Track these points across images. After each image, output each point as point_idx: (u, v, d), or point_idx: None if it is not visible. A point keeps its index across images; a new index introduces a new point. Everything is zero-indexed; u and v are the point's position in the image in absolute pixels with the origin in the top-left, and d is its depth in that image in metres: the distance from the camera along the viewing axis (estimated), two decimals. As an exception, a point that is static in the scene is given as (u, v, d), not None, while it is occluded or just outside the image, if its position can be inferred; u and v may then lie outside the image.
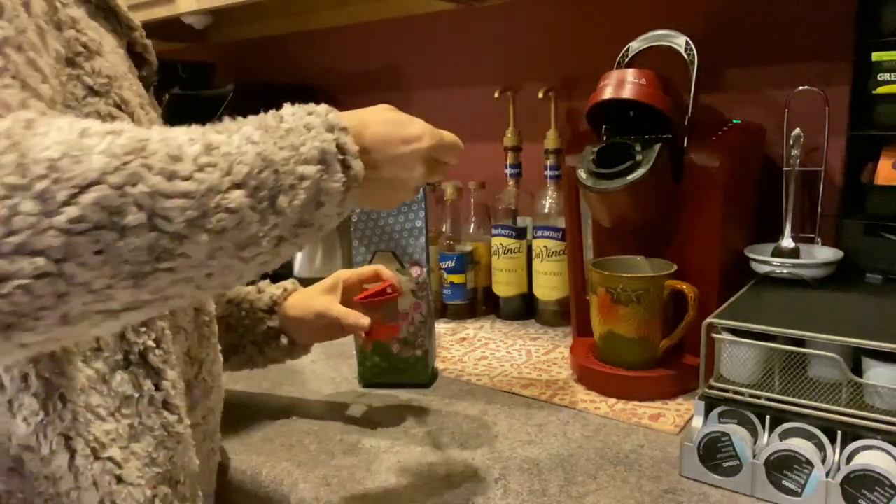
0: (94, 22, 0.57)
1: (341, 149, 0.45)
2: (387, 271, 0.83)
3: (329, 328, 0.81)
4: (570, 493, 0.66)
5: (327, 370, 1.01)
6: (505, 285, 1.20)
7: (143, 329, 0.54)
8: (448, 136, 0.57)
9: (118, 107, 0.53)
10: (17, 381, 0.49)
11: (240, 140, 0.41)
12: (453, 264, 1.20)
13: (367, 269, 0.84)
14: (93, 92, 0.51)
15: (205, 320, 0.64)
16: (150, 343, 0.54)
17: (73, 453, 0.50)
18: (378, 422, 0.83)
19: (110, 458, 0.52)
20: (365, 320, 0.77)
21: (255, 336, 0.83)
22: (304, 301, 0.83)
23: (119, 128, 0.37)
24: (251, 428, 0.83)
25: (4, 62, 0.39)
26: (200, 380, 0.63)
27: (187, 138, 0.39)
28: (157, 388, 0.55)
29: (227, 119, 0.44)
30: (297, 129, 0.44)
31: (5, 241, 0.32)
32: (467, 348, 1.07)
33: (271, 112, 0.46)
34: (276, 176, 0.41)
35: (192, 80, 1.57)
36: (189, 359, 0.62)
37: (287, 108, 0.46)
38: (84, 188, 0.34)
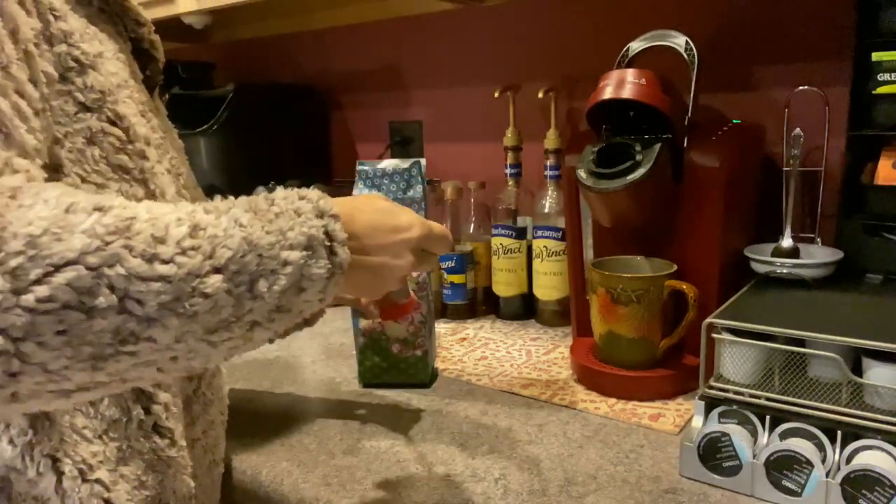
0: (95, 27, 0.56)
1: (329, 235, 0.45)
2: None
3: (343, 300, 0.79)
4: (570, 493, 0.66)
5: (327, 370, 1.01)
6: (505, 285, 1.20)
7: None
8: (437, 227, 0.57)
9: (112, 122, 0.52)
10: None
11: (228, 223, 0.40)
12: (453, 264, 1.20)
13: None
14: (84, 108, 0.50)
15: None
16: None
17: (60, 475, 0.49)
18: (378, 422, 0.83)
19: (98, 481, 0.51)
20: (374, 310, 0.76)
21: None
22: None
23: (108, 204, 0.36)
24: (251, 428, 0.83)
25: None
26: (200, 395, 0.62)
27: (175, 218, 0.38)
28: (147, 411, 0.53)
29: (218, 198, 0.43)
30: (287, 213, 0.44)
31: None
32: (467, 348, 1.07)
33: (263, 194, 0.45)
34: (259, 260, 0.40)
35: (192, 80, 1.58)
36: (187, 375, 0.61)
37: (279, 192, 0.46)
38: (59, 268, 0.33)
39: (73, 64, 0.50)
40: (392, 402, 0.89)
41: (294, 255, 0.42)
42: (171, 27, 1.58)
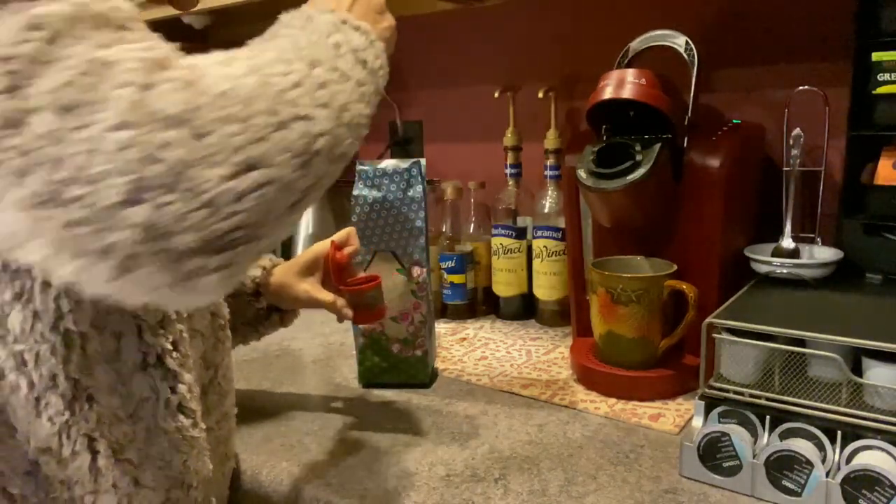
0: None
1: (340, 19, 0.53)
2: (354, 235, 0.84)
3: (313, 302, 0.83)
4: (570, 493, 0.66)
5: (327, 370, 1.01)
6: (505, 285, 1.20)
7: (161, 331, 0.54)
8: None
9: None
10: (46, 380, 0.49)
11: (287, 40, 0.48)
12: (453, 264, 1.20)
13: (340, 234, 0.84)
14: None
15: (220, 324, 0.64)
16: (168, 346, 0.54)
17: (95, 455, 0.51)
18: (378, 422, 0.83)
19: (129, 461, 0.52)
20: (348, 311, 0.79)
21: (245, 318, 0.84)
22: (287, 282, 0.82)
23: (231, 54, 0.43)
24: (251, 428, 0.83)
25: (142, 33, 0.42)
26: (216, 384, 0.63)
27: (262, 47, 0.47)
28: (174, 391, 0.55)
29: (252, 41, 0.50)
30: (311, 19, 0.52)
31: (231, 161, 0.37)
32: (467, 348, 1.07)
33: (292, 16, 0.53)
34: (321, 49, 0.48)
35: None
36: (205, 363, 0.62)
37: (284, 15, 0.53)
38: (252, 100, 0.40)
39: None
40: (392, 402, 0.89)
41: (337, 38, 0.51)
42: (171, 27, 1.58)
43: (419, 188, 0.88)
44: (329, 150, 0.44)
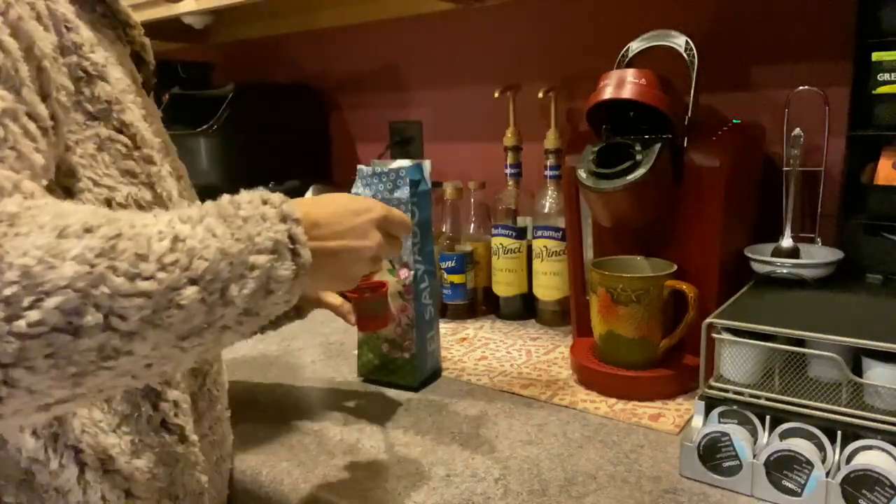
0: (100, 34, 0.57)
1: (292, 238, 0.46)
2: None
3: (322, 305, 0.84)
4: (570, 493, 0.66)
5: (327, 370, 1.01)
6: (505, 285, 1.20)
7: None
8: (396, 211, 0.60)
9: (118, 130, 0.54)
10: None
11: (203, 233, 0.42)
12: (453, 264, 1.20)
13: None
14: (92, 117, 0.53)
15: None
16: None
17: (82, 466, 0.51)
18: (378, 422, 0.83)
19: (118, 472, 0.52)
20: (352, 317, 0.80)
21: None
22: None
23: (95, 222, 0.38)
24: (251, 428, 0.83)
25: (4, 133, 0.40)
26: (205, 391, 0.63)
27: (156, 231, 0.40)
28: (155, 408, 0.55)
29: (186, 204, 0.46)
30: (254, 218, 0.45)
31: None
32: (467, 348, 1.07)
33: (227, 198, 0.47)
34: (230, 267, 0.42)
35: (192, 80, 1.58)
36: (192, 372, 0.62)
37: (244, 196, 0.47)
38: (50, 294, 0.34)
39: (81, 74, 0.52)
40: (392, 403, 0.89)
41: (261, 259, 0.44)
42: (171, 27, 1.58)
43: (405, 190, 0.88)
44: (136, 369, 0.39)
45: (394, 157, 1.49)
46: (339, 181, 1.57)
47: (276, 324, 0.86)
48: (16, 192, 0.38)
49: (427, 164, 0.91)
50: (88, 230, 0.37)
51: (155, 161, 0.57)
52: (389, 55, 1.51)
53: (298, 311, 0.87)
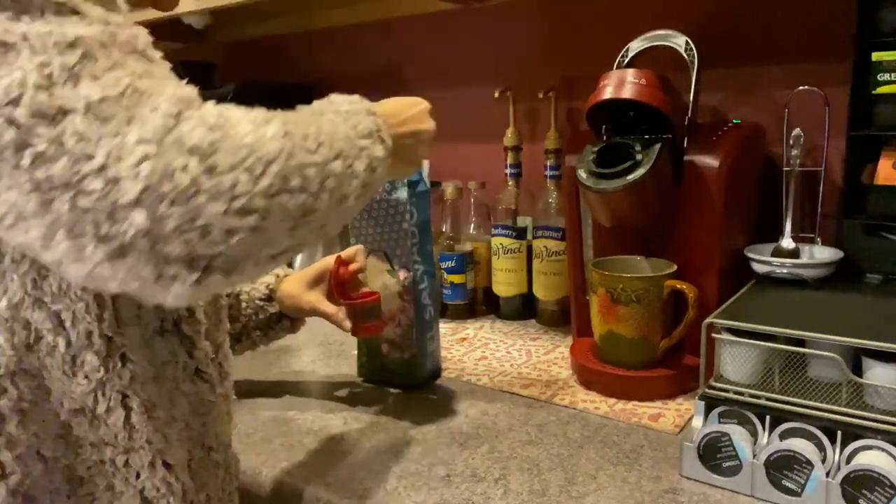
0: None
1: (378, 128, 0.57)
2: (362, 253, 0.88)
3: (317, 313, 0.87)
4: (570, 493, 0.66)
5: (327, 370, 1.01)
6: (505, 285, 1.20)
7: None
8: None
9: None
10: (82, 338, 0.51)
11: (329, 124, 0.52)
12: (453, 264, 1.20)
13: (348, 251, 0.88)
14: None
15: (221, 304, 0.66)
16: (184, 312, 0.57)
17: (129, 411, 0.53)
18: (378, 422, 0.83)
19: (158, 419, 0.55)
20: (347, 324, 0.83)
21: (258, 323, 0.89)
22: (296, 291, 0.88)
23: (271, 115, 0.48)
24: (251, 428, 0.83)
25: (166, 71, 0.48)
26: (217, 363, 0.64)
27: (304, 117, 0.51)
28: (191, 356, 0.58)
29: (302, 107, 0.54)
30: (353, 111, 0.56)
31: (232, 203, 0.41)
32: (467, 348, 1.07)
33: (327, 100, 0.58)
34: (350, 146, 0.52)
35: (192, 80, 1.56)
36: (209, 341, 0.62)
37: (337, 97, 0.58)
38: (269, 163, 0.44)
39: None
40: (392, 403, 0.89)
41: (365, 143, 0.54)
42: (171, 27, 1.58)
43: (403, 191, 0.88)
44: (318, 225, 0.49)
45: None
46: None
47: (269, 338, 0.90)
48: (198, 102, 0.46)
49: (426, 164, 0.91)
50: (267, 121, 0.46)
51: None
52: (389, 55, 1.51)
53: (292, 325, 0.90)
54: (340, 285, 0.85)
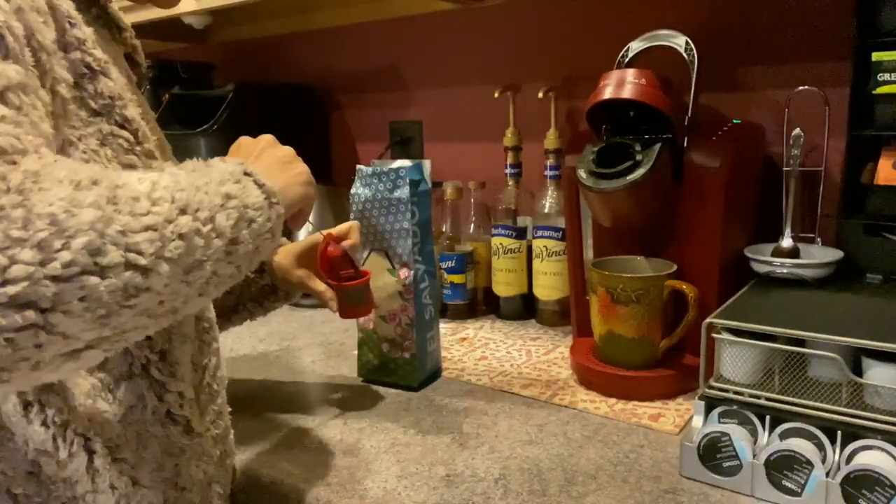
0: (97, 34, 0.57)
1: (248, 173, 0.51)
2: (356, 230, 0.84)
3: (306, 290, 0.85)
4: (570, 493, 0.66)
5: (327, 370, 1.01)
6: (505, 285, 1.20)
7: (146, 341, 0.55)
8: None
9: (121, 125, 0.55)
10: (36, 387, 0.50)
11: (169, 178, 0.45)
12: (453, 264, 1.20)
13: (341, 228, 0.84)
14: (95, 112, 0.53)
15: (204, 327, 0.64)
16: (152, 356, 0.55)
17: (91, 455, 0.51)
18: (378, 422, 0.83)
19: (125, 460, 0.53)
20: (333, 305, 0.81)
21: (251, 294, 0.86)
22: (286, 264, 0.85)
23: (98, 176, 0.40)
24: (251, 428, 0.83)
25: (19, 102, 0.41)
26: (205, 385, 0.63)
27: (136, 178, 0.43)
28: (161, 399, 0.56)
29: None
30: (209, 165, 0.51)
31: (1, 290, 0.34)
32: (467, 348, 1.07)
33: (195, 161, 0.52)
34: (208, 197, 0.46)
35: (192, 80, 1.57)
36: (193, 366, 0.62)
37: (190, 163, 0.52)
38: (74, 236, 0.37)
39: (84, 70, 0.53)
40: (392, 403, 0.89)
41: (233, 188, 0.48)
42: (171, 27, 1.59)
43: (405, 190, 0.88)
44: (152, 306, 0.41)
45: (394, 157, 1.49)
46: (339, 181, 1.57)
47: (265, 308, 0.88)
48: (34, 153, 0.40)
49: (427, 164, 0.91)
50: (95, 182, 0.40)
51: (155, 156, 0.57)
52: (389, 55, 1.51)
53: (286, 296, 0.88)
54: (327, 264, 0.81)
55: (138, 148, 0.56)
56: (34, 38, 0.46)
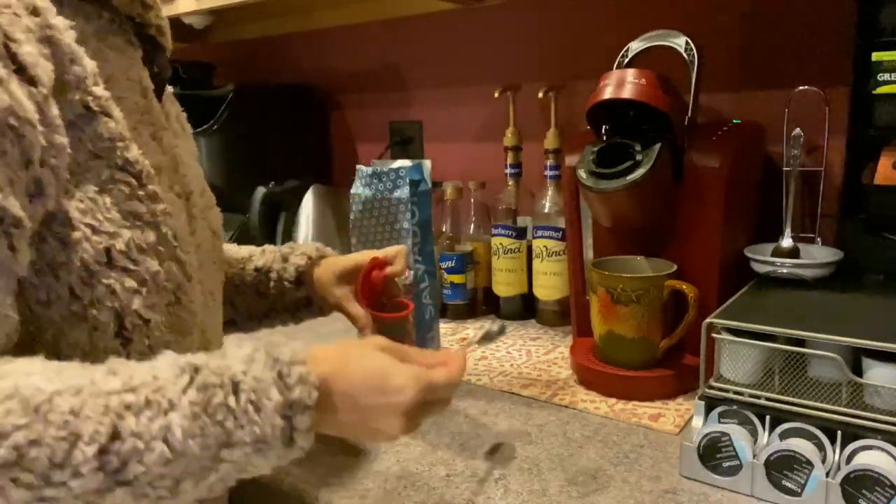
0: (104, 42, 0.54)
1: (292, 428, 0.45)
2: (403, 256, 0.78)
3: (342, 311, 0.79)
4: (570, 494, 0.66)
5: (327, 370, 1.01)
6: (505, 285, 1.20)
7: None
8: (440, 376, 0.53)
9: (122, 168, 0.51)
10: None
11: (158, 430, 0.40)
12: (453, 264, 1.20)
13: (388, 251, 0.78)
14: (94, 156, 0.50)
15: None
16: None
17: None
18: (378, 422, 0.83)
19: None
20: (368, 332, 0.74)
21: (286, 304, 0.81)
22: (326, 280, 0.79)
23: (24, 419, 0.37)
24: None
25: None
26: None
27: (92, 430, 0.38)
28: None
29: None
30: (244, 409, 0.43)
31: None
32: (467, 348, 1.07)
33: (227, 373, 0.43)
34: (182, 468, 0.40)
35: (192, 80, 1.57)
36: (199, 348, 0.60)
37: (256, 369, 0.44)
38: None
39: (83, 111, 0.49)
40: (392, 402, 0.89)
41: (235, 455, 0.42)
42: (171, 27, 1.58)
43: (405, 190, 0.88)
44: None
45: (394, 157, 1.49)
46: (339, 181, 1.57)
47: (297, 319, 0.83)
48: None
49: (427, 164, 0.91)
50: (19, 427, 0.37)
51: (160, 198, 0.54)
52: (389, 55, 1.51)
53: (321, 311, 0.82)
54: (369, 291, 0.75)
55: (141, 192, 0.52)
56: (37, 79, 0.44)
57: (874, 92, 0.84)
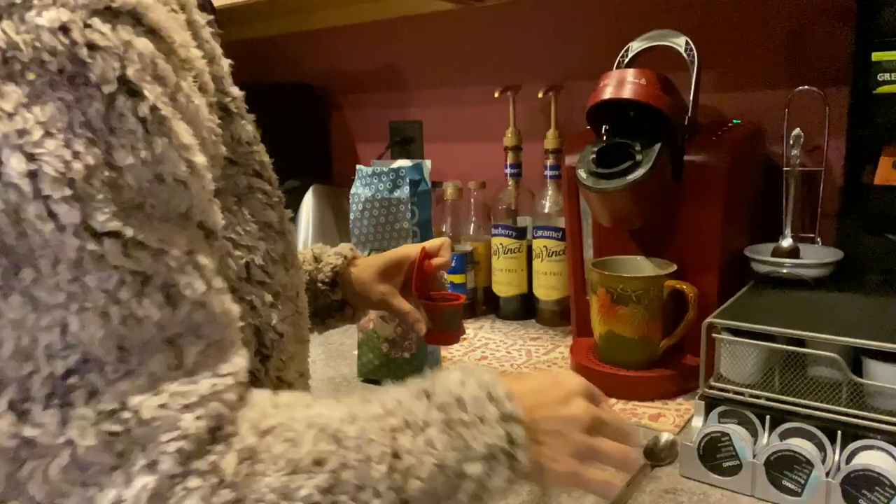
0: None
1: (513, 442, 0.43)
2: (447, 247, 0.76)
3: (388, 308, 0.76)
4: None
5: (327, 370, 1.01)
6: (505, 285, 1.20)
7: None
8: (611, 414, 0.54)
9: (257, 174, 0.49)
10: None
11: (423, 446, 0.41)
12: (453, 264, 1.20)
13: (433, 243, 0.76)
14: (231, 163, 0.46)
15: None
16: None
17: None
18: (378, 422, 0.83)
19: None
20: (422, 326, 0.73)
21: (316, 308, 0.75)
22: (366, 279, 0.75)
23: (325, 450, 0.37)
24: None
25: (207, 304, 0.37)
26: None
27: (378, 452, 0.39)
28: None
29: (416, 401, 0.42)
30: (473, 422, 0.43)
31: None
32: (467, 348, 1.07)
33: (455, 393, 0.43)
34: (444, 480, 0.41)
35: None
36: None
37: (471, 389, 0.44)
38: None
39: (222, 114, 0.46)
40: (392, 402, 0.89)
41: (476, 469, 0.42)
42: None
43: (405, 190, 0.88)
44: None
45: (394, 157, 1.49)
46: (340, 181, 1.57)
47: (326, 325, 0.78)
48: (242, 405, 0.37)
49: (427, 164, 0.91)
50: (318, 462, 0.37)
51: (284, 202, 0.51)
52: (389, 55, 1.51)
53: (354, 315, 0.78)
54: (422, 281, 0.73)
55: (275, 198, 0.49)
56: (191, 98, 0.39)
57: (874, 92, 0.84)
